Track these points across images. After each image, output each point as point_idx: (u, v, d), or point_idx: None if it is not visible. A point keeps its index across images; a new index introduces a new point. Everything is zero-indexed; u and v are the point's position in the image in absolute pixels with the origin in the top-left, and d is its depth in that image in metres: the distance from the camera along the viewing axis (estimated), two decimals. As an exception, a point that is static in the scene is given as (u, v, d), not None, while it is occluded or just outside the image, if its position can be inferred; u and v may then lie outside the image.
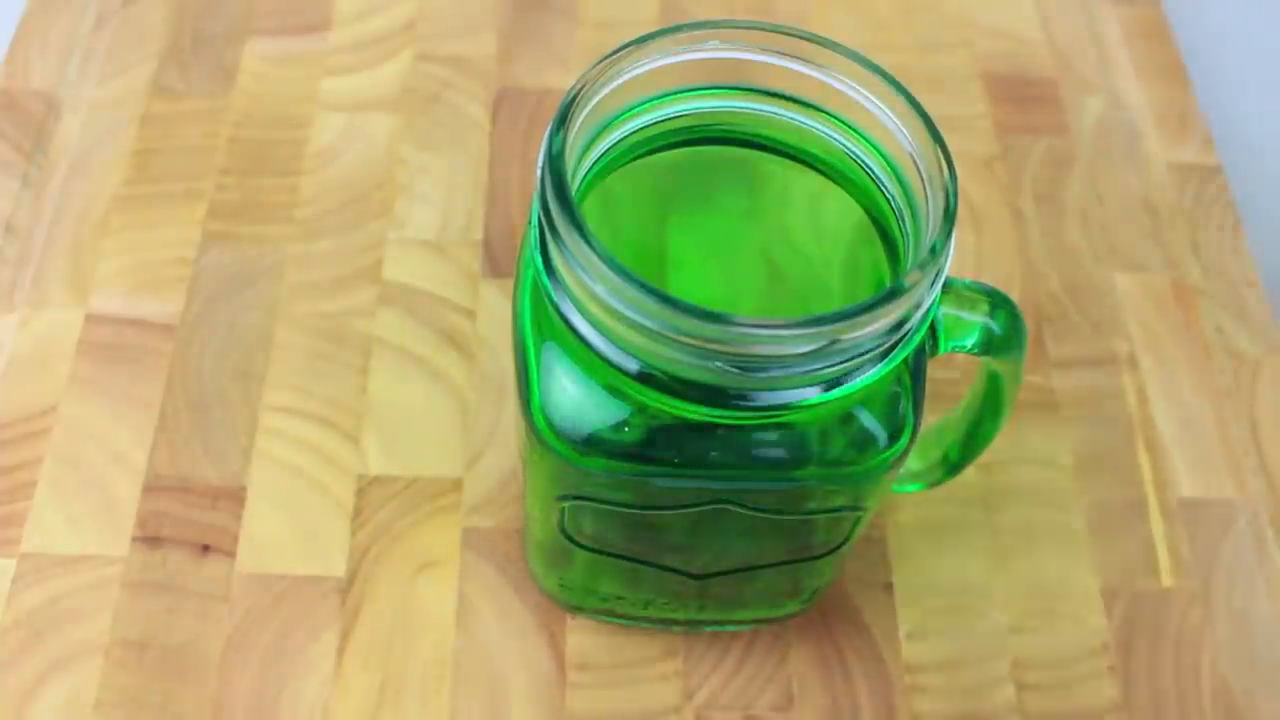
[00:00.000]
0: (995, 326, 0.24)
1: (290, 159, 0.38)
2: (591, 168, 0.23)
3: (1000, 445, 0.34)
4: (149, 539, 0.31)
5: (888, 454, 0.23)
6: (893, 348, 0.21)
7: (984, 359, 0.25)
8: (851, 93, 0.23)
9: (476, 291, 0.36)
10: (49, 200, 0.37)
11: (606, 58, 0.22)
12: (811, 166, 0.24)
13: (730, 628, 0.30)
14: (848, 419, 0.23)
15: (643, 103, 0.24)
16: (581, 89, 0.22)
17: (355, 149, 0.38)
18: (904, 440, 0.23)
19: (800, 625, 0.31)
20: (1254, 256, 0.38)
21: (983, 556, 0.32)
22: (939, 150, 0.22)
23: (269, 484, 0.32)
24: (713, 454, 0.23)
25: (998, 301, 0.24)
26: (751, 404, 0.21)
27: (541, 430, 0.23)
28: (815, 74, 0.23)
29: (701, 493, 0.24)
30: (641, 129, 0.24)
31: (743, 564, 0.27)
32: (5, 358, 0.34)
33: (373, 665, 0.30)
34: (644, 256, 0.23)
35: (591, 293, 0.20)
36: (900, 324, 0.21)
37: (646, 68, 0.23)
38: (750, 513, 0.24)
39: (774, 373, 0.20)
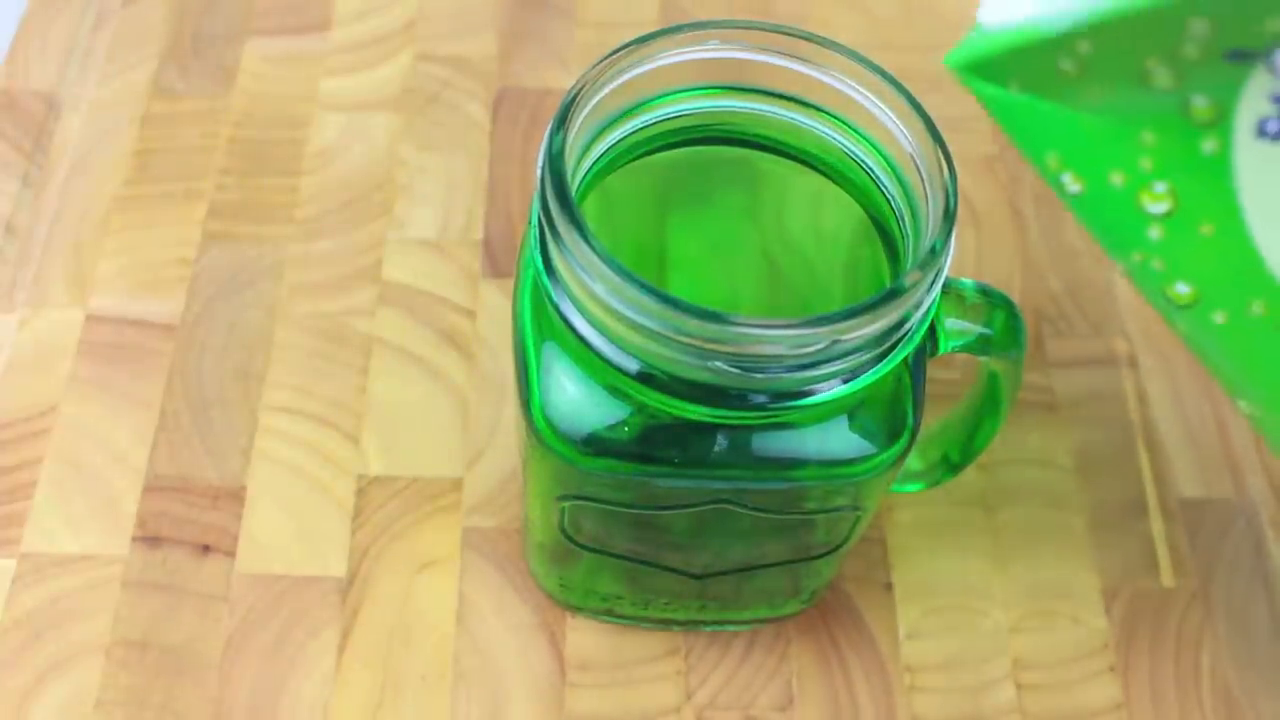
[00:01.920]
0: (994, 327, 0.24)
1: (290, 159, 0.38)
2: (591, 168, 0.24)
3: (1000, 445, 0.34)
4: (149, 539, 0.31)
5: (888, 454, 0.23)
6: (893, 348, 0.21)
7: (983, 359, 0.25)
8: (851, 93, 0.23)
9: (476, 291, 0.36)
10: (49, 200, 0.37)
11: (606, 58, 0.22)
12: (811, 166, 0.24)
13: (730, 627, 0.30)
14: (848, 419, 0.23)
15: (643, 103, 0.24)
16: (581, 89, 0.22)
17: (355, 149, 0.38)
18: (904, 440, 0.23)
19: (800, 625, 0.31)
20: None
21: (983, 556, 0.32)
22: (939, 150, 0.22)
23: (269, 484, 0.32)
24: (713, 454, 0.23)
25: (997, 302, 0.24)
26: (751, 404, 0.21)
27: (541, 430, 0.23)
28: (815, 74, 0.24)
29: (701, 493, 0.24)
30: (641, 129, 0.24)
31: (743, 564, 0.27)
32: (5, 358, 0.34)
33: (373, 665, 0.30)
34: (644, 256, 0.23)
35: (591, 293, 0.20)
36: (900, 324, 0.21)
37: (646, 68, 0.23)
38: (750, 513, 0.24)
39: (774, 373, 0.20)
